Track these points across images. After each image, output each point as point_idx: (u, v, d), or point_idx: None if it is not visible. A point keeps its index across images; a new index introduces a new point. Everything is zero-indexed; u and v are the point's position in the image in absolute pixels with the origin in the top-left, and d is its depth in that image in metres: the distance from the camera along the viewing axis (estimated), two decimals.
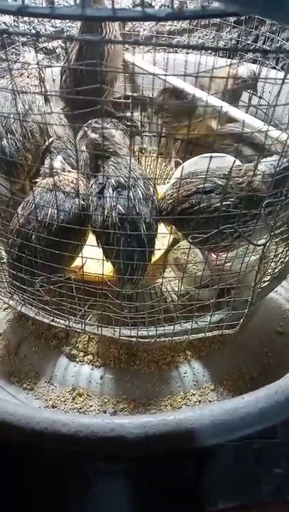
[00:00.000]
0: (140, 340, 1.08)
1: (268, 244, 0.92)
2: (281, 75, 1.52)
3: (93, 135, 1.15)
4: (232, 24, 1.72)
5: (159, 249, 1.21)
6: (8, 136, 1.29)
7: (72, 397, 1.22)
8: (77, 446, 0.75)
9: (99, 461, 0.81)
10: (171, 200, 1.19)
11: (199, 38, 1.82)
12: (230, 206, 1.04)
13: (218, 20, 1.74)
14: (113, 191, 1.08)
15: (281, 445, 0.99)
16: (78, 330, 1.09)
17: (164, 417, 0.75)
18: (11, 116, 1.29)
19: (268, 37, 1.71)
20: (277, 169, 0.92)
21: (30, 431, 0.73)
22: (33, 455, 0.81)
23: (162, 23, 1.77)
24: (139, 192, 1.09)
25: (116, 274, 1.09)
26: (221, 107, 1.44)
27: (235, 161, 0.95)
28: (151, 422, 0.74)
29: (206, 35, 1.81)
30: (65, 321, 1.09)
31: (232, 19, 1.69)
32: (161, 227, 1.21)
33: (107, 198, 1.06)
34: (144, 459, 0.81)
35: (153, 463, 0.88)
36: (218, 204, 1.01)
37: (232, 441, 0.79)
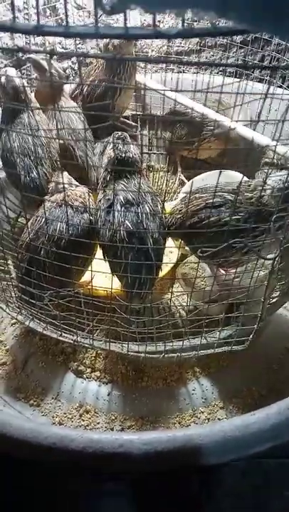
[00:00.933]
0: (148, 355, 1.07)
1: (277, 258, 0.91)
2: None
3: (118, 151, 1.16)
4: (238, 44, 1.76)
5: (166, 264, 1.21)
6: (38, 168, 1.32)
7: (80, 414, 1.21)
8: (85, 461, 0.74)
9: (106, 478, 0.80)
10: (180, 215, 1.20)
11: (206, 58, 1.86)
12: (239, 221, 1.05)
13: (225, 40, 1.78)
14: (121, 207, 1.09)
15: None
16: (86, 345, 1.09)
17: (174, 434, 0.74)
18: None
19: (274, 56, 1.74)
20: (286, 184, 0.92)
21: (38, 446, 0.72)
22: (38, 470, 0.80)
23: (170, 44, 1.81)
24: (147, 208, 1.10)
25: (123, 288, 1.09)
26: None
27: (243, 177, 0.96)
28: (161, 438, 0.73)
29: (213, 55, 1.85)
30: (72, 335, 1.09)
31: (238, 39, 1.73)
32: (170, 242, 1.21)
33: (116, 213, 1.07)
34: (151, 476, 0.80)
35: (160, 481, 0.87)
36: (228, 218, 1.01)
37: (242, 459, 0.77)
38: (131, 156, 1.16)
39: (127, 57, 1.52)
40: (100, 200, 1.14)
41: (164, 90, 1.61)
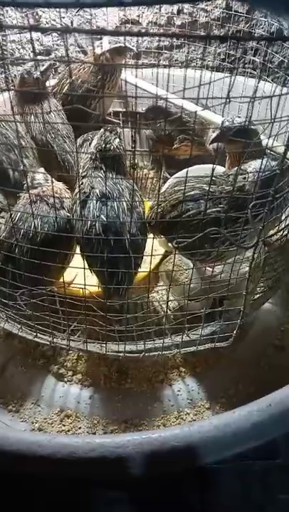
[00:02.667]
0: (128, 355, 1.02)
1: (259, 249, 0.87)
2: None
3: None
4: (220, 36, 1.73)
5: (151, 260, 1.17)
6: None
7: (60, 419, 1.16)
8: (54, 468, 0.69)
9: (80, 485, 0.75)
10: (159, 210, 1.16)
11: (187, 53, 1.83)
12: (219, 212, 1.01)
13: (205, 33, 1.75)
14: (97, 201, 1.04)
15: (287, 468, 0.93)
16: (63, 346, 1.04)
17: (148, 435, 0.69)
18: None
19: (256, 50, 1.71)
20: (263, 168, 0.89)
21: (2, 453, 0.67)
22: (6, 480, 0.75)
23: (150, 39, 1.78)
24: (124, 203, 1.06)
25: (101, 285, 1.05)
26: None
27: (215, 168, 0.92)
28: (135, 441, 0.68)
29: (194, 50, 1.82)
30: (49, 336, 1.04)
31: (221, 32, 1.70)
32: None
33: (91, 207, 1.03)
34: (141, 483, 0.76)
35: (151, 488, 0.82)
36: (205, 210, 0.97)
37: (222, 461, 0.73)
38: (112, 148, 1.11)
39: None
40: (76, 194, 1.10)
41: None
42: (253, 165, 0.96)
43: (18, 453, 0.67)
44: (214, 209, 1.03)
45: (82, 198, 1.05)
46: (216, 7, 1.76)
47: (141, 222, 1.09)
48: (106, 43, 1.50)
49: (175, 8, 1.75)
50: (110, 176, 1.10)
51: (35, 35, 1.79)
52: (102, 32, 0.82)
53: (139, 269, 1.09)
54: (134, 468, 0.69)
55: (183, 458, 0.70)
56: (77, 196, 1.06)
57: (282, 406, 0.72)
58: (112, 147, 1.11)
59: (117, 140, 1.13)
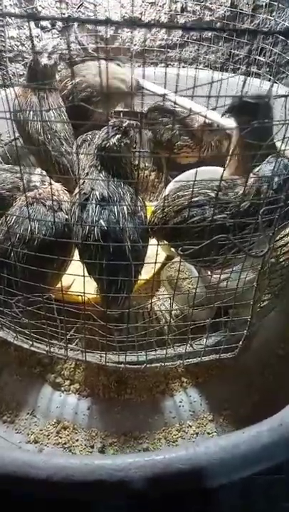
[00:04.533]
0: (129, 366, 0.98)
1: (267, 256, 0.83)
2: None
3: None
4: (224, 36, 1.68)
5: (152, 266, 1.12)
6: None
7: (57, 431, 1.11)
8: (50, 492, 0.64)
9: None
10: (162, 215, 1.12)
11: (191, 52, 1.78)
12: (226, 219, 0.96)
13: (211, 34, 1.71)
14: (96, 205, 1.00)
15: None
16: (60, 356, 0.99)
17: (152, 457, 0.65)
18: None
19: (261, 50, 1.67)
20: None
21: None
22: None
23: (153, 37, 1.74)
24: (124, 207, 1.01)
25: (99, 293, 1.00)
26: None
27: (224, 171, 0.88)
28: (137, 463, 0.64)
29: (198, 49, 1.78)
30: (46, 345, 0.99)
31: (224, 33, 1.66)
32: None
33: (90, 211, 0.99)
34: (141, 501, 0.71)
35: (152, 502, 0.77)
36: (213, 217, 0.93)
37: (229, 484, 0.68)
38: (108, 145, 1.06)
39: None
40: (75, 194, 1.05)
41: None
42: (267, 167, 0.91)
43: (12, 475, 0.63)
44: (220, 215, 0.99)
45: (82, 200, 1.00)
46: (221, 5, 1.71)
47: (142, 228, 1.04)
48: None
49: (179, 6, 1.70)
50: (111, 177, 1.05)
51: (34, 31, 1.74)
52: (106, 22, 0.78)
53: (140, 277, 1.05)
54: (136, 491, 0.65)
55: (188, 481, 0.66)
56: (77, 197, 1.02)
57: None
58: (108, 144, 1.05)
59: (117, 137, 1.06)
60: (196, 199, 1.03)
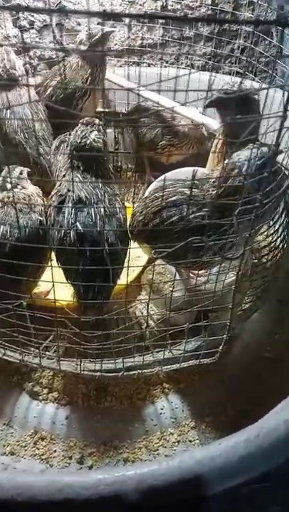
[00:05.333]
0: (105, 374, 0.94)
1: (245, 258, 0.80)
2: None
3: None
4: (206, 34, 1.66)
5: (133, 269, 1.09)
6: None
7: (34, 442, 1.07)
8: None
9: None
10: (141, 217, 1.09)
11: (173, 52, 1.76)
12: (204, 218, 0.94)
13: (192, 33, 1.69)
14: (72, 207, 0.96)
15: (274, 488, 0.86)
16: (34, 365, 0.95)
17: (122, 473, 0.61)
18: None
19: (244, 49, 1.65)
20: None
21: None
22: None
23: (133, 36, 1.71)
24: (102, 209, 0.97)
25: (76, 298, 0.97)
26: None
27: (197, 170, 0.85)
28: (106, 480, 0.60)
29: (180, 49, 1.75)
30: (19, 354, 0.95)
31: (206, 31, 1.64)
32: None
33: (66, 213, 0.95)
34: None
35: None
36: (190, 216, 0.90)
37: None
38: (88, 142, 1.02)
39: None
40: (51, 196, 1.02)
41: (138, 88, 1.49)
42: (243, 154, 0.89)
43: None
44: (198, 213, 0.96)
45: (57, 202, 0.97)
46: (201, 5, 1.69)
47: (121, 230, 1.01)
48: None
49: (159, 4, 1.67)
50: (89, 178, 1.01)
51: (12, 31, 1.71)
52: (100, 14, 0.76)
53: (119, 281, 1.01)
54: (105, 510, 0.61)
55: (161, 497, 0.62)
56: (53, 199, 0.98)
57: (272, 436, 0.64)
58: (87, 141, 1.02)
59: (94, 133, 1.03)
60: (173, 199, 1.00)
